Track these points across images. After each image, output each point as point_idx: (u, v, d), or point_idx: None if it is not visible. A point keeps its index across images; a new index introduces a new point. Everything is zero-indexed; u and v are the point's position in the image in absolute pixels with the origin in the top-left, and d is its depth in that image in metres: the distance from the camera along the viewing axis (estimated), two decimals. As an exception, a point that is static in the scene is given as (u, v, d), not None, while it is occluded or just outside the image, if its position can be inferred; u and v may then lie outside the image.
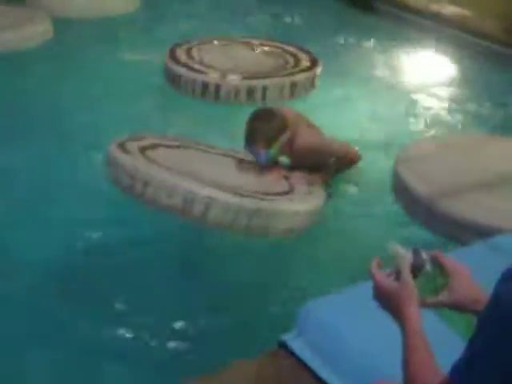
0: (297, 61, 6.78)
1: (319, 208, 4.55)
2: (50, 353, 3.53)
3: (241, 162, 4.87)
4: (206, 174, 4.45)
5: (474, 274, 2.68)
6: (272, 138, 4.61)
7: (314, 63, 6.74)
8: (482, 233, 4.05)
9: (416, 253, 1.83)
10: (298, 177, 4.77)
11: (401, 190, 4.84)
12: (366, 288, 1.92)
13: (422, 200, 4.61)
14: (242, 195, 4.23)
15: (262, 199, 4.28)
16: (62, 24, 7.72)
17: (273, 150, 4.63)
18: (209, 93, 6.21)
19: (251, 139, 4.63)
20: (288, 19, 8.91)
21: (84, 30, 7.84)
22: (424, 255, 1.83)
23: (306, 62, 6.74)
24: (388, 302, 1.81)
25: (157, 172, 4.28)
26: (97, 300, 3.92)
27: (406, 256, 1.82)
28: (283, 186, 4.64)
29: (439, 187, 4.68)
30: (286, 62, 6.79)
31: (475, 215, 4.39)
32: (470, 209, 4.46)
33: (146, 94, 6.47)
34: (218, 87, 6.18)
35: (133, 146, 4.63)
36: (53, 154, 5.34)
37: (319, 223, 4.58)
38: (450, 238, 4.39)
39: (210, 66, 6.51)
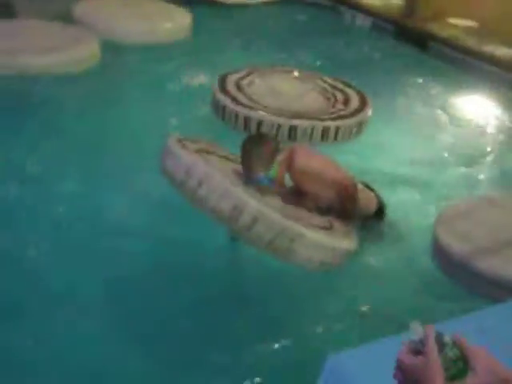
0: (346, 100, 6.62)
1: (355, 249, 4.46)
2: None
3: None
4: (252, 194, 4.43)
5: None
6: (268, 160, 4.54)
7: (364, 104, 6.57)
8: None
9: (438, 335, 1.77)
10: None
11: (438, 248, 4.72)
12: (395, 343, 1.86)
13: (457, 258, 4.50)
14: (289, 217, 4.16)
15: (307, 227, 4.20)
16: (109, 47, 7.71)
17: (272, 171, 4.55)
18: (251, 128, 6.07)
19: (248, 167, 4.55)
20: (342, 54, 8.78)
21: (131, 55, 7.83)
22: (446, 338, 1.76)
23: (355, 102, 6.57)
24: (412, 378, 1.74)
25: (213, 173, 4.18)
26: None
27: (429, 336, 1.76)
28: (324, 222, 4.56)
29: (476, 246, 4.56)
30: (336, 102, 6.62)
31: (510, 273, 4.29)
32: (505, 267, 4.35)
33: (191, 123, 6.40)
34: (260, 124, 6.04)
35: (189, 145, 4.59)
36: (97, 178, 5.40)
37: (349, 270, 4.51)
38: (487, 297, 4.27)
39: (256, 101, 6.39)
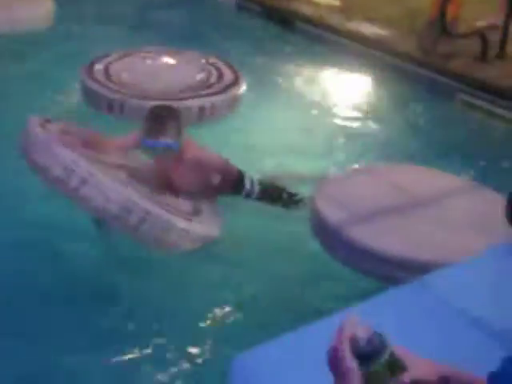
0: (220, 75, 6.56)
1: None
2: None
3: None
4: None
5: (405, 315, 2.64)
6: (180, 131, 4.53)
7: (237, 79, 6.53)
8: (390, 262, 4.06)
9: (379, 337, 1.50)
10: None
11: (314, 217, 4.67)
12: (300, 337, 1.75)
13: (331, 228, 4.45)
14: (173, 213, 4.17)
15: (190, 220, 4.24)
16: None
17: (180, 142, 4.53)
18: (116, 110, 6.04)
19: (158, 131, 4.46)
20: (207, 33, 8.65)
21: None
22: (386, 343, 1.49)
23: (229, 78, 6.51)
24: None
25: (97, 172, 4.06)
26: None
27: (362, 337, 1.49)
28: (193, 205, 4.57)
29: (350, 216, 4.53)
30: (209, 77, 6.54)
31: (379, 244, 4.24)
32: (374, 237, 4.31)
33: (59, 110, 6.24)
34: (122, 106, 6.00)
35: (53, 128, 4.43)
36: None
37: (229, 252, 4.51)
38: (360, 269, 4.28)
39: (125, 83, 6.29)
